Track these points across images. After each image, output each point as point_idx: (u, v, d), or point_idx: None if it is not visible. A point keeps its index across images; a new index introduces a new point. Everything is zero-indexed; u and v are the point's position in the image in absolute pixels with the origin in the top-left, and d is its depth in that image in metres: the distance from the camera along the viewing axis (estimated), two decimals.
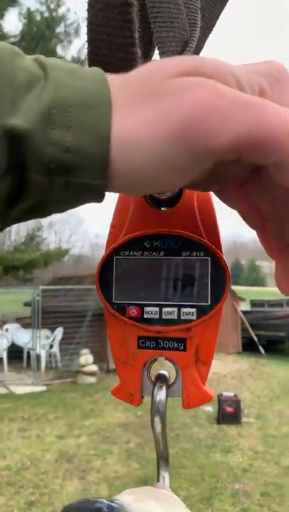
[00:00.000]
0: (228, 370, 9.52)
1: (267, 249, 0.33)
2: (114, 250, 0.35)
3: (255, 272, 78.12)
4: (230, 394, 6.18)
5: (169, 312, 0.34)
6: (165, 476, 0.39)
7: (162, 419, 0.34)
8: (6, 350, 9.36)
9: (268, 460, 4.66)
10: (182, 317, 0.33)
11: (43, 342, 9.37)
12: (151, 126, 0.23)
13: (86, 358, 8.57)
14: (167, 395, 0.34)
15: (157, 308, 0.34)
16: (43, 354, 9.29)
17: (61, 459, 4.77)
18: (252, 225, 0.32)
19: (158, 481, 0.41)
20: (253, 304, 15.63)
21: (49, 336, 9.81)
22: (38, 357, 9.03)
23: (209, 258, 0.33)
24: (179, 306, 0.34)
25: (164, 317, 0.34)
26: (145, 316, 0.34)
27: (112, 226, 0.37)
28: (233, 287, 15.45)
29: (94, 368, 8.57)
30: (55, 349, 9.56)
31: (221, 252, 0.33)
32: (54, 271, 22.72)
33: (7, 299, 13.80)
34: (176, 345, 0.34)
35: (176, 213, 0.35)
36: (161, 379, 0.34)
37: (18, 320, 12.05)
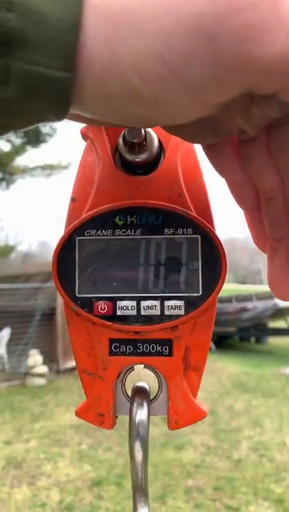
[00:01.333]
0: None
1: (255, 237, 0.25)
2: (76, 230, 0.27)
3: None
4: None
5: (150, 307, 0.26)
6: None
7: (144, 445, 0.26)
8: None
9: (219, 455, 4.72)
10: (167, 312, 0.26)
11: None
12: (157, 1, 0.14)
13: (35, 359, 8.31)
14: (149, 414, 0.26)
15: (134, 303, 0.26)
16: None
17: (8, 466, 4.56)
18: (242, 202, 0.25)
19: None
20: None
21: None
22: None
23: (199, 236, 0.26)
24: (163, 299, 0.26)
25: (143, 313, 0.26)
26: (119, 312, 0.26)
27: (72, 199, 0.28)
28: None
29: (43, 369, 8.32)
30: (2, 351, 9.19)
31: (214, 227, 0.26)
32: (0, 269, 21.89)
33: None
34: (159, 348, 0.26)
35: (155, 181, 0.27)
36: (140, 393, 0.27)
37: None
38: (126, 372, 0.27)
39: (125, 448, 4.89)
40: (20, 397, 7.31)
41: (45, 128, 14.30)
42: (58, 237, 0.28)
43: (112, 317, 0.26)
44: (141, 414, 0.25)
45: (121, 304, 0.26)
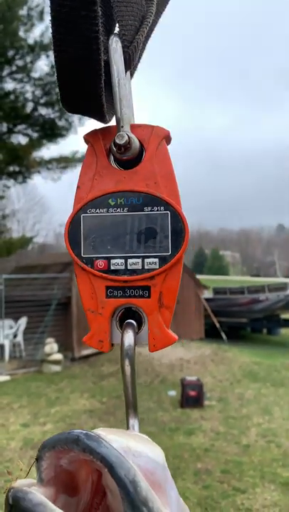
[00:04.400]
0: (191, 356, 9.74)
1: None
2: (81, 209, 0.38)
3: (219, 261, 79.56)
4: (193, 378, 6.33)
5: (134, 263, 0.37)
6: (134, 424, 0.42)
7: (131, 363, 0.37)
8: None
9: (228, 440, 4.84)
10: (146, 267, 0.37)
11: (6, 332, 9.23)
12: None
13: (51, 346, 8.52)
14: (135, 341, 0.37)
15: (123, 260, 0.37)
16: (7, 344, 9.15)
17: (26, 447, 4.76)
18: None
19: (128, 429, 0.43)
20: (216, 291, 15.99)
21: (13, 325, 9.66)
22: (2, 347, 8.91)
23: (169, 212, 0.37)
24: (143, 257, 0.37)
25: (129, 268, 0.37)
26: (112, 267, 0.37)
27: (78, 187, 0.39)
28: (198, 276, 15.71)
29: (59, 356, 8.53)
30: (19, 339, 9.44)
31: (180, 206, 0.37)
32: (17, 260, 22.26)
33: None
34: (141, 292, 0.37)
35: (137, 173, 0.38)
36: (129, 326, 0.37)
37: None
38: (119, 311, 0.38)
39: None
40: (36, 383, 7.53)
41: (61, 121, 14.39)
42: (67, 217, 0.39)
43: (107, 271, 0.37)
44: (129, 340, 0.36)
45: (113, 261, 0.37)
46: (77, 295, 9.43)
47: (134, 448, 0.34)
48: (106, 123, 0.38)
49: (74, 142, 14.65)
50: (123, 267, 0.37)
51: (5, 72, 12.51)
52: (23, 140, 14.42)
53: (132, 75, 0.41)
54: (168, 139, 0.38)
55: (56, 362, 8.44)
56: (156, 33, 0.40)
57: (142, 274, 0.36)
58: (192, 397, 5.99)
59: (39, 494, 0.28)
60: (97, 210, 0.37)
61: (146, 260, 0.36)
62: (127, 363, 0.37)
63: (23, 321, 9.51)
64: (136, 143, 0.37)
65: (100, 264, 0.37)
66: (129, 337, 0.36)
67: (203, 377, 7.09)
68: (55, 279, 9.69)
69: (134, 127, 0.38)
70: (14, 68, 12.67)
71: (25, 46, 12.16)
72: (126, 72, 0.39)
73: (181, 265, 0.37)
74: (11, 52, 12.15)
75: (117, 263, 0.37)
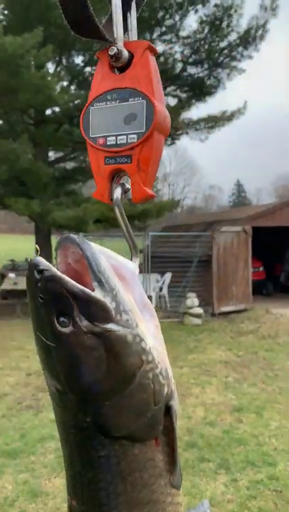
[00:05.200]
0: None
1: None
2: (90, 104, 0.55)
3: None
4: None
5: (121, 139, 0.53)
6: (135, 260, 0.59)
7: (120, 210, 0.54)
8: None
9: None
10: (129, 141, 0.52)
11: (153, 285, 10.02)
12: None
13: (192, 300, 8.97)
14: (122, 194, 0.53)
15: (114, 137, 0.53)
16: (154, 295, 9.96)
17: None
18: None
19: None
20: None
21: (159, 279, 10.42)
22: (150, 298, 9.72)
23: (145, 101, 0.51)
24: (127, 135, 0.52)
25: (118, 142, 0.53)
26: (108, 143, 0.54)
27: (90, 90, 0.56)
28: None
29: (200, 310, 8.94)
30: (164, 292, 10.16)
31: (154, 97, 0.50)
32: (167, 221, 23.38)
33: (124, 248, 14.73)
34: (125, 160, 0.53)
35: (126, 75, 0.53)
36: (119, 185, 0.54)
37: None
38: (115, 175, 0.54)
39: (269, 386, 5.11)
40: (178, 333, 8.11)
41: (209, 80, 14.20)
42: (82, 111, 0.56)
43: (104, 145, 0.53)
44: (117, 193, 0.52)
45: (108, 139, 0.52)
46: (218, 253, 9.61)
47: (110, 254, 0.51)
48: (108, 42, 0.53)
49: (222, 100, 14.37)
50: (114, 142, 0.52)
51: (155, 35, 12.82)
52: (172, 102, 14.74)
53: (139, 6, 0.55)
54: (151, 49, 0.52)
55: (197, 315, 8.87)
56: None
57: (126, 146, 0.52)
58: None
59: (45, 261, 0.47)
60: (100, 104, 0.54)
61: (129, 136, 0.51)
62: (117, 210, 0.54)
63: (167, 276, 10.17)
64: (125, 53, 0.52)
65: (101, 141, 0.53)
66: (117, 192, 0.53)
67: None
68: (197, 237, 10.00)
69: (126, 43, 0.52)
70: (163, 29, 12.87)
71: (174, 4, 12.19)
72: (131, 2, 0.54)
73: (152, 140, 0.51)
74: (160, 14, 12.33)
75: (111, 140, 0.53)
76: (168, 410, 0.52)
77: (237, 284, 9.85)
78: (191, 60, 13.61)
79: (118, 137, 0.53)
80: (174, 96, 14.72)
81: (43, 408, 4.39)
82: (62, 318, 0.44)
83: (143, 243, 10.04)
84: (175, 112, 14.50)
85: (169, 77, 13.58)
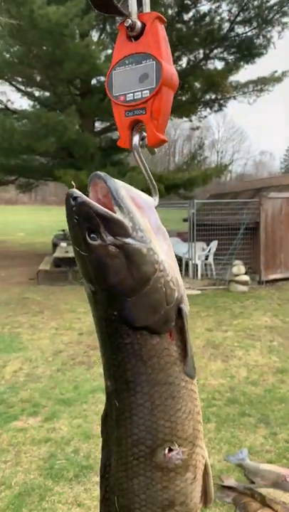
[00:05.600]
0: None
1: None
2: (113, 68, 0.68)
3: None
4: None
5: (137, 95, 0.65)
6: (156, 198, 0.72)
7: (138, 154, 0.67)
8: None
9: None
10: (143, 96, 0.65)
11: (199, 253, 10.09)
12: None
13: (238, 268, 8.96)
14: (140, 140, 0.66)
15: (132, 94, 0.66)
16: (200, 264, 10.05)
17: (207, 346, 5.45)
18: None
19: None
20: None
21: (205, 248, 10.46)
22: (195, 266, 9.84)
23: (155, 62, 0.63)
24: (141, 91, 0.65)
25: (135, 98, 0.65)
26: (127, 99, 0.66)
27: (112, 56, 0.69)
28: None
29: (246, 277, 8.93)
30: (210, 260, 10.21)
31: (162, 58, 0.62)
32: (215, 189, 23.02)
33: (170, 217, 14.76)
34: (141, 111, 0.65)
35: (140, 42, 0.65)
36: (136, 133, 0.67)
37: (179, 234, 12.97)
38: (135, 125, 0.66)
39: None
40: (223, 299, 8.20)
41: (258, 39, 13.53)
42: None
43: (124, 101, 0.65)
44: (136, 140, 0.65)
45: (127, 95, 0.65)
46: (266, 221, 9.46)
47: (131, 188, 0.65)
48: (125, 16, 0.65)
49: (272, 61, 13.67)
50: (132, 98, 0.65)
51: None
52: (219, 65, 14.28)
53: None
54: (160, 18, 0.64)
55: (243, 282, 8.88)
56: None
57: (141, 100, 0.64)
58: None
59: (78, 191, 0.62)
60: (120, 68, 0.66)
61: (143, 92, 0.63)
62: (136, 153, 0.67)
63: (214, 244, 10.18)
64: (138, 24, 0.64)
65: (121, 98, 0.66)
66: (136, 139, 0.66)
67: None
68: (245, 204, 9.86)
69: (139, 15, 0.64)
70: None
71: None
72: None
73: (162, 93, 0.63)
74: None
75: (129, 96, 0.65)
76: (180, 312, 0.66)
77: (285, 252, 9.69)
78: (238, 18, 13.00)
79: (135, 93, 0.65)
80: (221, 59, 14.20)
81: (93, 364, 4.72)
82: (92, 235, 0.59)
83: (188, 212, 10.06)
84: (222, 75, 14.03)
85: (215, 38, 13.10)
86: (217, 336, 5.84)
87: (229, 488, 2.57)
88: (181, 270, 8.72)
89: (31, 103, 14.79)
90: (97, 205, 0.60)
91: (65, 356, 5.03)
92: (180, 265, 10.72)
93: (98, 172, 0.62)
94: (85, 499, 2.54)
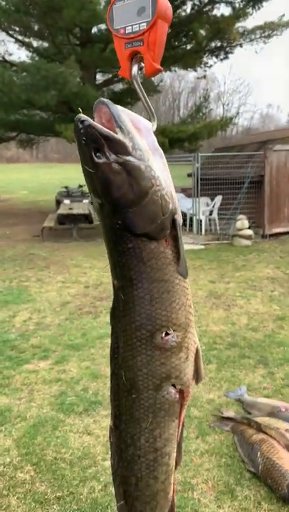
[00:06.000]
0: None
1: None
2: (113, 3, 0.73)
3: None
4: None
5: (136, 27, 0.71)
6: (154, 124, 0.79)
7: (138, 83, 0.74)
8: None
9: None
10: (140, 28, 0.71)
11: (203, 208, 10.11)
12: None
13: (242, 222, 9.01)
14: (138, 70, 0.73)
15: (131, 27, 0.72)
16: (204, 219, 10.09)
17: (210, 296, 5.62)
18: None
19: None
20: None
21: (209, 203, 10.45)
22: (199, 221, 9.89)
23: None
24: (139, 24, 0.70)
25: (133, 30, 0.71)
26: (126, 32, 0.72)
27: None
28: None
29: (249, 232, 9.00)
30: (215, 215, 10.24)
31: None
32: (221, 144, 22.55)
33: (174, 174, 14.57)
34: (139, 43, 0.71)
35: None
36: (135, 64, 0.74)
37: (183, 190, 12.92)
38: (133, 58, 0.73)
39: None
40: (227, 253, 8.31)
41: None
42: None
43: (125, 34, 0.72)
44: (134, 70, 0.72)
45: (127, 28, 0.71)
46: (270, 174, 9.38)
47: (131, 112, 0.72)
48: None
49: (278, 6, 13.00)
50: (131, 30, 0.70)
51: None
52: (225, 11, 13.61)
53: None
54: None
55: (246, 237, 8.95)
56: None
57: (139, 32, 0.70)
58: None
59: (85, 116, 0.69)
60: (119, 2, 0.71)
61: (141, 25, 0.69)
62: (135, 82, 0.74)
63: (218, 199, 10.16)
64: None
65: (122, 31, 0.72)
66: (134, 69, 0.73)
67: None
68: (250, 158, 9.74)
69: None
70: None
71: None
72: None
73: (157, 26, 0.69)
74: None
75: (128, 29, 0.71)
76: (174, 222, 0.75)
77: None
78: None
79: (133, 26, 0.71)
80: (228, 3, 13.49)
81: (100, 313, 4.92)
82: (97, 153, 0.68)
83: (193, 166, 9.97)
84: (229, 21, 13.39)
85: None
86: (219, 287, 6.00)
87: (228, 418, 2.78)
88: (185, 226, 8.83)
89: (30, 55, 14.32)
90: (102, 127, 0.67)
91: (72, 307, 5.23)
92: (184, 221, 10.77)
93: (102, 98, 0.69)
94: (94, 429, 2.77)
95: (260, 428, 2.50)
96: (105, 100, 0.69)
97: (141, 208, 0.71)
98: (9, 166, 45.89)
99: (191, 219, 10.30)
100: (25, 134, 16.23)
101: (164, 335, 0.78)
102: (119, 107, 0.69)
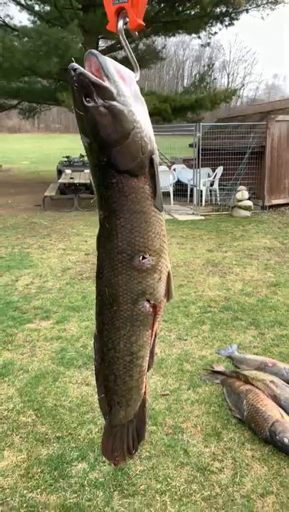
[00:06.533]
0: None
1: None
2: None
3: None
4: None
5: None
6: (137, 74, 0.89)
7: (122, 35, 0.83)
8: (172, 185, 10.50)
9: None
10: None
11: (204, 179, 10.11)
12: None
13: (242, 193, 9.05)
14: (124, 24, 0.82)
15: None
16: (204, 190, 10.12)
17: (207, 264, 5.75)
18: None
19: None
20: None
21: (210, 174, 10.45)
22: (200, 192, 9.92)
23: None
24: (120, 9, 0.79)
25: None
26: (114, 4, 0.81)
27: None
28: None
29: (249, 203, 9.05)
30: (215, 186, 10.26)
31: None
32: (226, 115, 22.18)
33: (176, 144, 14.48)
34: (124, 0, 0.80)
35: None
36: (120, 19, 0.83)
37: (185, 161, 12.87)
38: (119, 13, 0.82)
39: None
40: (226, 224, 8.40)
41: None
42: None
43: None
44: (120, 24, 0.81)
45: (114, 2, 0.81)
46: (272, 145, 9.34)
47: (117, 63, 0.82)
48: None
49: None
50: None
51: None
52: None
53: None
54: None
55: (246, 208, 9.01)
56: None
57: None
58: None
59: (78, 65, 0.80)
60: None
61: None
62: (120, 35, 0.83)
63: (219, 170, 10.16)
64: None
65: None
66: (120, 23, 0.82)
67: None
68: (252, 128, 9.67)
69: None
70: None
71: None
72: None
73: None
74: None
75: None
76: (152, 161, 0.87)
77: None
78: None
79: None
80: None
81: None
82: (87, 98, 0.78)
83: (194, 136, 9.92)
84: None
85: None
86: (217, 256, 6.13)
87: (218, 372, 2.96)
88: (185, 196, 8.87)
89: (31, 18, 13.95)
90: (91, 75, 0.77)
91: (73, 272, 5.38)
92: (185, 191, 10.80)
93: (92, 50, 0.79)
94: (93, 380, 2.95)
95: (247, 380, 2.67)
96: (95, 51, 0.79)
97: (124, 148, 0.82)
98: (10, 137, 45.35)
99: (191, 190, 10.33)
100: (26, 103, 16.02)
101: (141, 258, 0.92)
102: (106, 58, 0.79)
